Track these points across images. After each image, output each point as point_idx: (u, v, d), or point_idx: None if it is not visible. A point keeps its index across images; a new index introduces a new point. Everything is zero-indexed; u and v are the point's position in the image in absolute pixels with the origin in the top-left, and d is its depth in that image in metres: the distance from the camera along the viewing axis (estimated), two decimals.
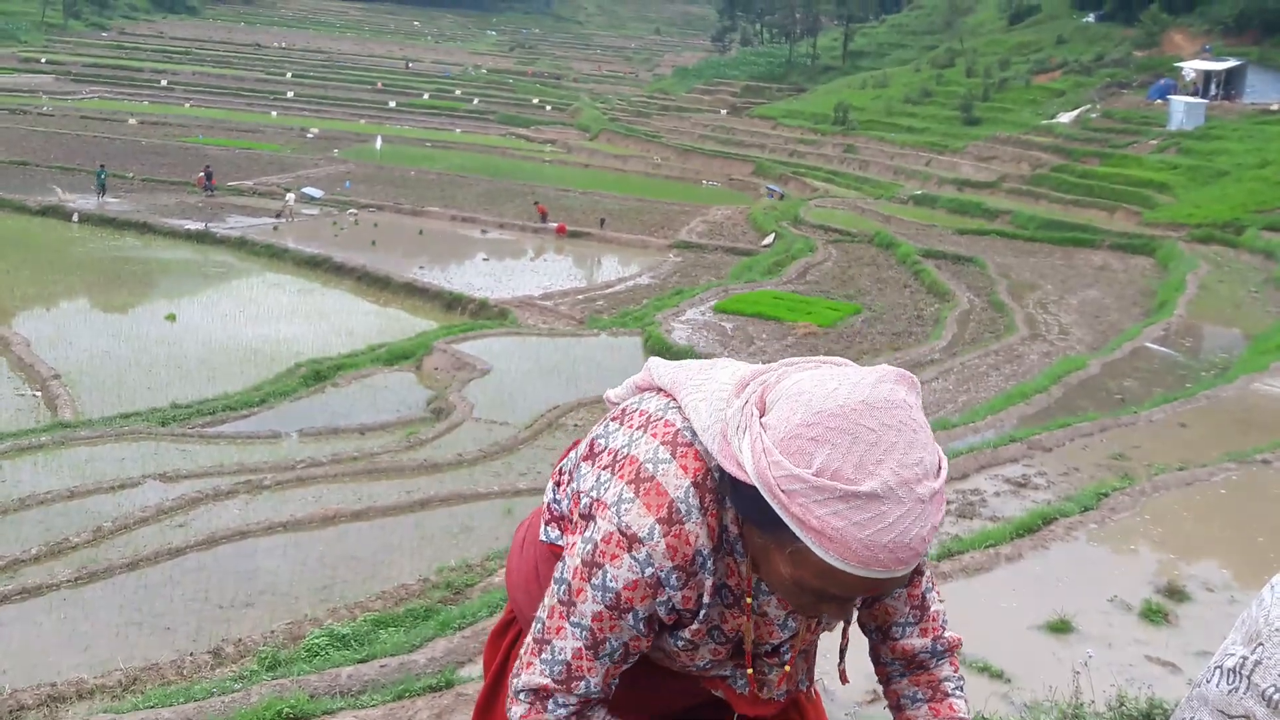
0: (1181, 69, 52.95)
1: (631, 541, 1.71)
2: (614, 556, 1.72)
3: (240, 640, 10.64)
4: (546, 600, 1.83)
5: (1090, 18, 66.43)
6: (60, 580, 11.91)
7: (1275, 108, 48.11)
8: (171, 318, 25.95)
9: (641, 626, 1.78)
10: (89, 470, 15.50)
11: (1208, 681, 1.90)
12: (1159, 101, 50.81)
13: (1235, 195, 38.50)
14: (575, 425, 18.62)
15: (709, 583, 1.76)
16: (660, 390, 1.90)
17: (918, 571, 1.97)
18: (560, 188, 48.93)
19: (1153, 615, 7.93)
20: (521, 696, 1.84)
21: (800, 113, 67.20)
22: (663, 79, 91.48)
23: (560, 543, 1.95)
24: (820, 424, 1.59)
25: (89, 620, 11.29)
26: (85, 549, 12.83)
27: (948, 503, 10.71)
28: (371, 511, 14.35)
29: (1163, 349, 23.13)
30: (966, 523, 10.29)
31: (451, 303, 29.09)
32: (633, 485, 1.73)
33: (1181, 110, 48.16)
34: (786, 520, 1.59)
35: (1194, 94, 50.70)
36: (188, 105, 69.23)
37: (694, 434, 1.76)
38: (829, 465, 1.56)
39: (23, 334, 23.14)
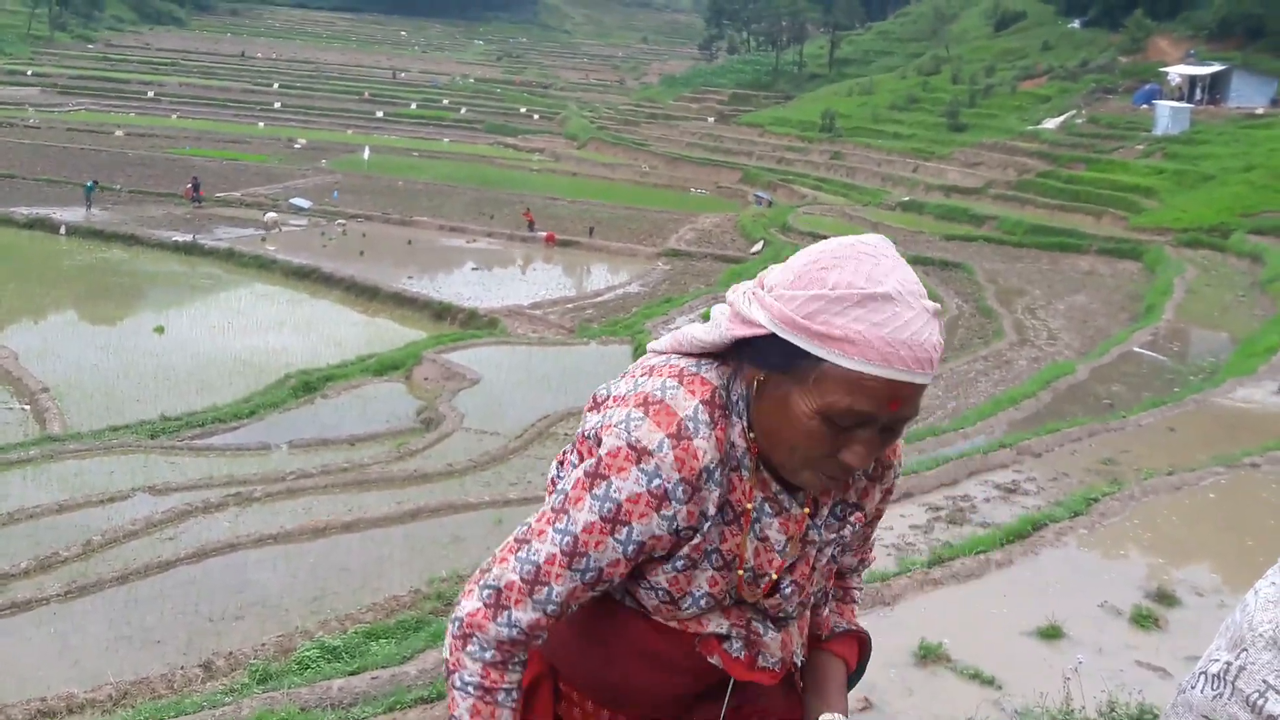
0: (1166, 74, 53.20)
1: (640, 454, 1.74)
2: (621, 469, 1.75)
3: (231, 653, 10.61)
4: (545, 505, 1.84)
5: (1075, 24, 66.71)
6: (50, 594, 11.86)
7: (1260, 112, 48.34)
8: (160, 330, 25.89)
9: (629, 550, 1.78)
10: (78, 483, 15.46)
11: (1193, 687, 1.91)
12: (1144, 106, 51.02)
13: (1221, 199, 38.65)
14: (565, 434, 18.61)
15: (715, 495, 1.80)
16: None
17: (877, 515, 2.06)
18: (549, 196, 48.96)
19: (1143, 620, 7.95)
20: (483, 594, 1.84)
21: (787, 120, 67.35)
22: (650, 87, 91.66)
23: None
24: (825, 257, 1.72)
25: (79, 634, 11.25)
26: (75, 563, 12.78)
27: (937, 509, 10.77)
28: (362, 523, 14.32)
29: (1151, 353, 23.20)
30: (957, 529, 10.30)
31: (440, 312, 29.09)
32: (641, 407, 1.77)
33: (1167, 115, 48.36)
34: (810, 345, 1.68)
35: (1179, 99, 50.92)
36: (175, 116, 69.14)
37: (698, 367, 1.83)
38: (843, 280, 1.67)
39: (10, 347, 23.08)
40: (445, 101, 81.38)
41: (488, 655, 1.84)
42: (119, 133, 59.96)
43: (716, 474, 1.79)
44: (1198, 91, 51.90)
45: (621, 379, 1.90)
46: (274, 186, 46.22)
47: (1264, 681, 1.80)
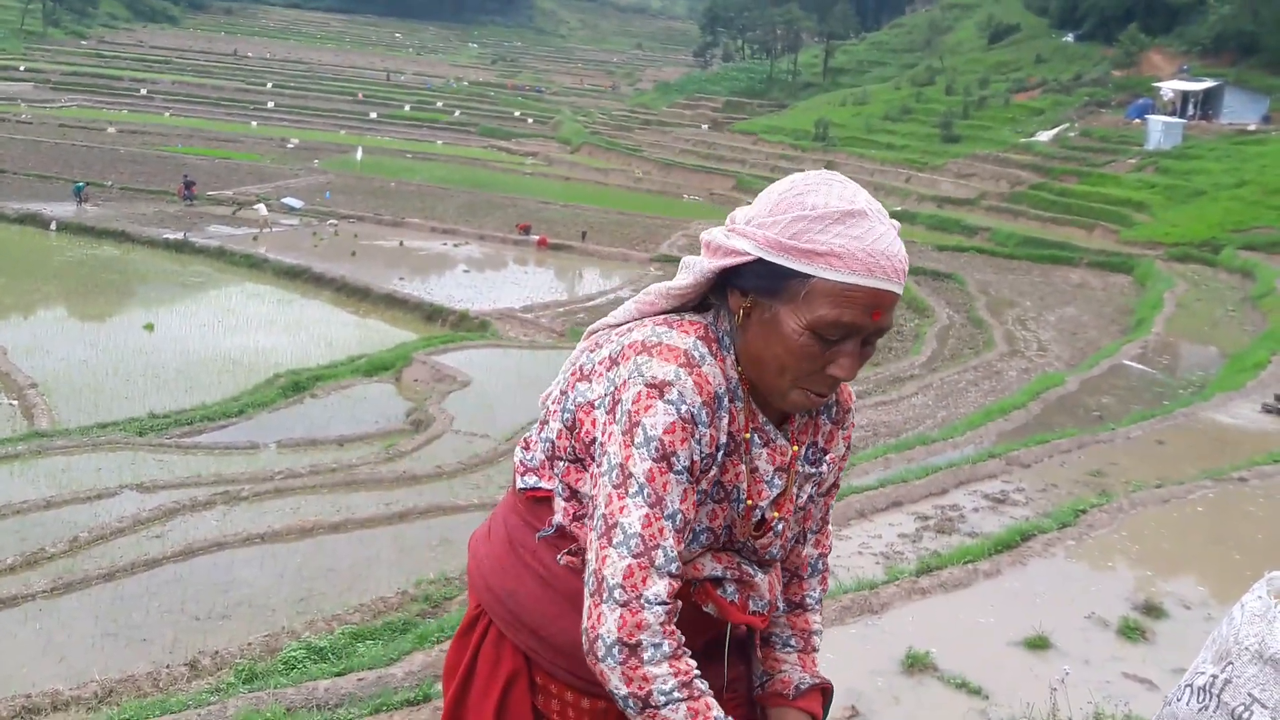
0: (1159, 89, 53.41)
1: (661, 388, 1.80)
2: (648, 408, 1.80)
3: (217, 652, 10.58)
4: (600, 495, 1.85)
5: (1069, 37, 66.95)
6: (36, 591, 11.82)
7: (1252, 128, 48.55)
8: (150, 327, 25.84)
9: (687, 476, 1.83)
10: (65, 480, 15.41)
11: (1178, 700, 1.91)
12: (1137, 121, 51.21)
13: (1212, 214, 38.82)
14: None
15: (725, 422, 1.88)
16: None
17: (835, 485, 2.17)
18: (541, 200, 49.00)
19: (1130, 632, 7.97)
20: (611, 601, 1.79)
21: (781, 128, 67.48)
22: (644, 93, 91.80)
23: (540, 486, 2.02)
24: (798, 185, 1.87)
25: (65, 631, 11.21)
26: (61, 559, 12.74)
27: (926, 519, 10.79)
28: (350, 523, 14.29)
29: (1140, 366, 23.27)
30: (945, 538, 10.31)
31: (432, 314, 29.07)
32: (643, 353, 1.84)
33: (1159, 130, 48.55)
34: (797, 263, 1.80)
35: (1172, 114, 51.14)
36: (167, 114, 69.07)
37: (681, 314, 1.93)
38: (819, 201, 1.82)
39: None
40: (439, 104, 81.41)
41: (665, 647, 1.80)
42: (111, 129, 59.86)
43: (725, 401, 1.88)
44: (1190, 107, 52.12)
45: (592, 353, 1.96)
46: (266, 186, 46.18)
47: (1249, 695, 1.80)
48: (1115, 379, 22.11)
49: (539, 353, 24.38)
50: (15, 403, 19.70)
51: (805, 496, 2.08)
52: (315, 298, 30.68)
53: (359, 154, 57.19)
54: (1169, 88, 53.06)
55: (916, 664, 6.91)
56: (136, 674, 10.16)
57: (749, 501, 1.96)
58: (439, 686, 7.23)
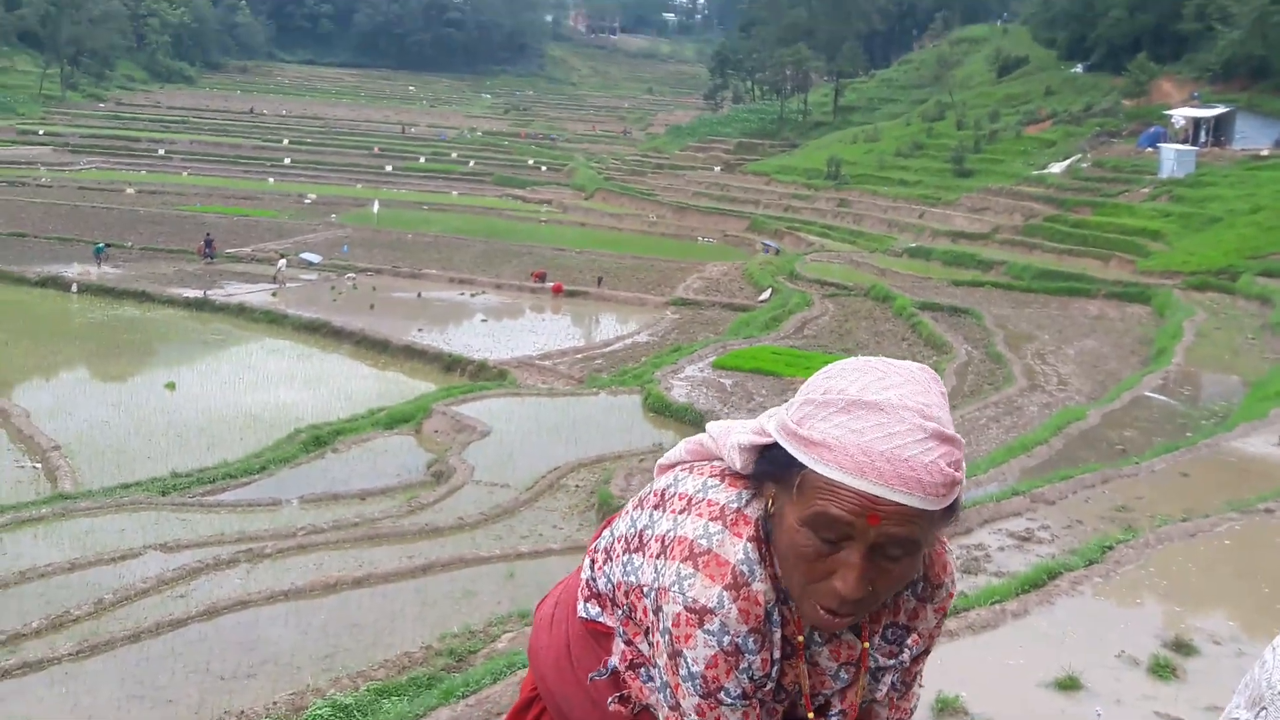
0: (1171, 116, 53.40)
1: (702, 615, 1.70)
2: (687, 637, 1.71)
3: (243, 712, 10.57)
4: (660, 713, 1.82)
5: (1078, 68, 67.07)
6: (61, 654, 11.84)
7: (1265, 153, 48.47)
8: (171, 386, 25.98)
9: (741, 702, 1.74)
10: (89, 541, 15.46)
11: None
12: (1149, 150, 51.18)
13: (1229, 241, 38.67)
14: (576, 486, 18.59)
15: (777, 635, 1.77)
16: (697, 463, 1.92)
17: (926, 650, 1.96)
18: (556, 247, 49.20)
19: (1161, 670, 7.88)
20: None
21: (793, 168, 67.70)
22: (656, 137, 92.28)
23: (601, 620, 1.96)
24: (835, 368, 1.72)
25: (90, 694, 11.21)
26: (86, 621, 12.77)
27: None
28: (373, 578, 14.29)
29: (1162, 398, 23.13)
30: (971, 579, 10.24)
31: (450, 365, 29.15)
32: (689, 561, 1.72)
33: (1172, 158, 48.50)
34: (794, 449, 1.66)
35: (1184, 141, 51.10)
36: (185, 174, 69.70)
37: (739, 501, 1.78)
38: (835, 387, 1.66)
39: (22, 405, 23.13)
40: (453, 155, 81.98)
41: None
42: (130, 190, 60.43)
43: (775, 613, 1.75)
44: (1202, 134, 52.10)
45: (660, 511, 1.85)
46: (284, 242, 46.49)
47: None
48: (1137, 411, 21.98)
49: (557, 400, 24.39)
50: (39, 466, 19.79)
51: (887, 687, 1.93)
52: (335, 351, 30.81)
53: (375, 207, 57.58)
54: (1180, 115, 53.07)
55: (947, 708, 6.85)
56: None
57: (811, 693, 1.86)
58: None
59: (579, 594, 2.02)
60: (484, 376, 27.46)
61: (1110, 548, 10.44)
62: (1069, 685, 7.46)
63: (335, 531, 16.13)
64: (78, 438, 21.37)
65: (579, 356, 30.58)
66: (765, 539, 1.75)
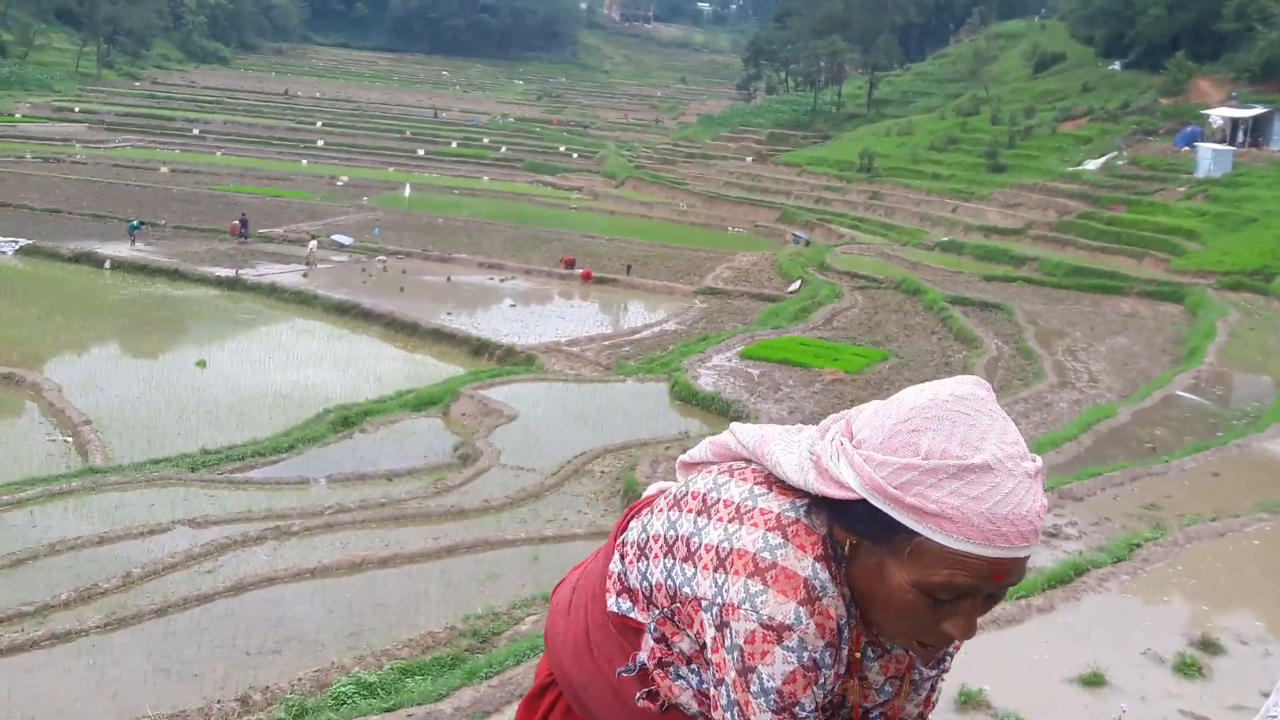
0: (1208, 116, 52.94)
1: (780, 632, 1.66)
2: (764, 654, 1.67)
3: (268, 687, 10.64)
4: None
5: (1116, 66, 66.53)
6: (89, 626, 11.95)
7: None
8: (202, 364, 26.13)
9: (814, 716, 1.71)
10: (119, 516, 15.59)
11: None
12: (1186, 149, 50.75)
13: (1264, 242, 38.33)
14: (602, 472, 18.62)
15: (846, 652, 1.74)
16: (732, 465, 1.86)
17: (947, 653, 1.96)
18: (586, 234, 49.20)
19: (1186, 668, 7.85)
20: None
21: (825, 160, 67.46)
22: (688, 127, 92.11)
23: (633, 615, 1.92)
24: (917, 416, 1.62)
25: (117, 666, 11.32)
26: (115, 595, 12.88)
27: None
28: (399, 558, 14.36)
29: (1193, 397, 22.97)
30: None
31: (478, 348, 29.21)
32: (756, 577, 1.68)
33: (1209, 157, 48.09)
34: (902, 516, 1.60)
35: (1221, 141, 50.64)
36: (219, 154, 70.04)
37: (796, 512, 1.72)
38: (936, 447, 1.58)
39: (54, 380, 23.33)
40: (485, 140, 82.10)
41: None
42: (164, 169, 60.79)
43: (846, 631, 1.73)
44: (1240, 134, 51.61)
45: (705, 518, 1.78)
46: (316, 223, 46.66)
47: None
48: (1168, 410, 21.84)
49: (585, 386, 24.42)
50: (70, 440, 19.97)
51: (927, 690, 1.93)
52: (364, 333, 30.92)
53: (407, 190, 57.72)
54: (1218, 115, 52.59)
55: (970, 701, 6.84)
56: (188, 709, 10.24)
57: (855, 705, 1.84)
58: None
59: (609, 587, 1.97)
60: (512, 361, 27.51)
61: (1138, 545, 10.40)
62: (1093, 682, 7.44)
63: (362, 511, 16.22)
64: (108, 413, 21.53)
65: (606, 343, 30.58)
66: (834, 558, 1.71)
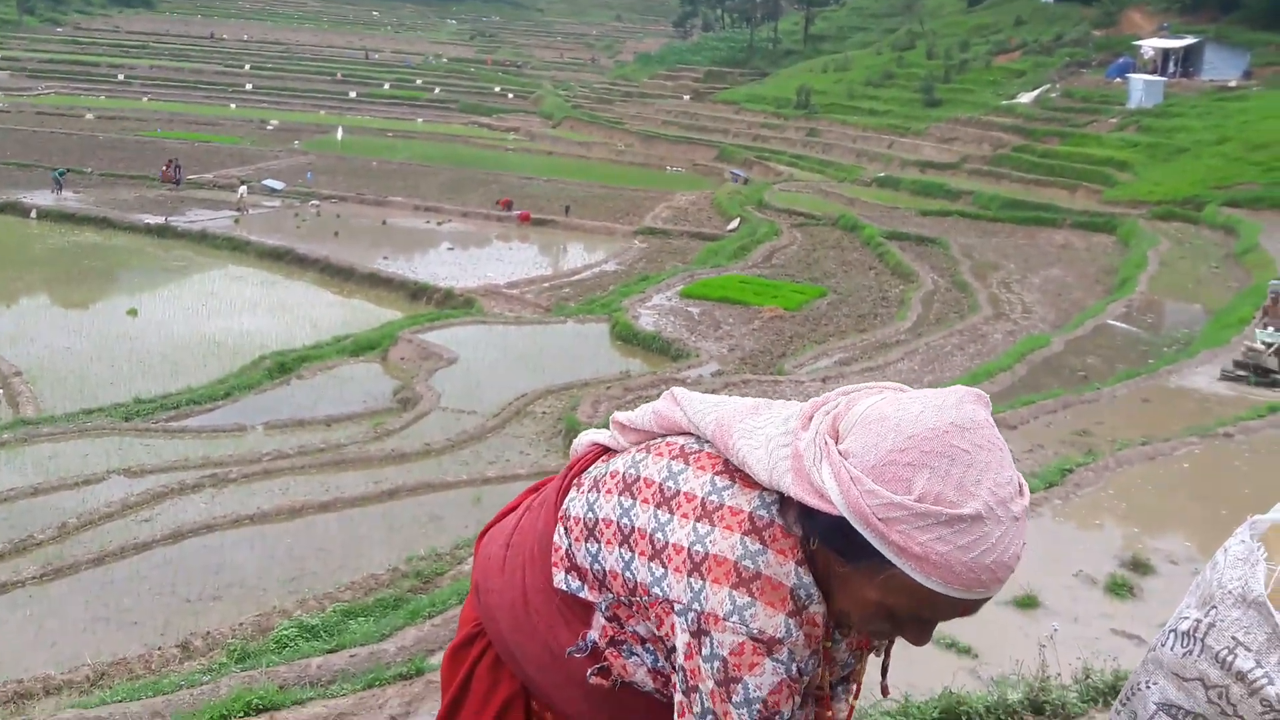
0: (1140, 47, 53.34)
1: (770, 645, 1.63)
2: (753, 665, 1.64)
3: (208, 633, 10.59)
4: None
5: None
6: (26, 577, 11.82)
7: (1233, 84, 48.53)
8: (133, 313, 25.73)
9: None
10: (53, 466, 15.37)
11: (1162, 645, 1.91)
12: (1118, 80, 51.14)
13: (1195, 172, 38.81)
14: (543, 412, 18.61)
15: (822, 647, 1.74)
16: (684, 446, 1.81)
17: None
18: (524, 176, 48.81)
19: (1118, 589, 8.01)
20: None
21: (763, 97, 67.25)
22: (625, 65, 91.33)
23: (582, 594, 1.87)
24: (915, 448, 1.56)
25: (55, 617, 11.21)
26: (50, 545, 12.73)
27: None
28: (339, 503, 14.30)
29: (1125, 326, 23.32)
30: None
31: (416, 292, 29.00)
32: (741, 588, 1.64)
33: (1140, 88, 48.50)
34: (883, 548, 1.56)
35: (1152, 72, 51.08)
36: (145, 99, 68.59)
37: (769, 511, 1.67)
38: (930, 490, 1.54)
39: None
40: (419, 81, 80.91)
41: None
42: (89, 116, 59.47)
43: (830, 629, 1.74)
44: (1171, 64, 52.07)
45: (667, 513, 1.73)
46: (247, 168, 45.92)
47: (1233, 638, 1.80)
48: (1100, 339, 22.16)
49: (525, 328, 24.34)
50: (0, 391, 19.61)
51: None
52: (299, 279, 30.57)
53: (339, 134, 56.93)
54: (1149, 46, 52.99)
55: None
56: (128, 657, 10.17)
57: (826, 683, 1.82)
58: (431, 660, 7.23)
59: (556, 561, 1.91)
60: (450, 305, 27.34)
61: (1070, 471, 10.57)
62: (1027, 603, 7.56)
63: (301, 457, 16.09)
64: (39, 363, 21.18)
65: (546, 285, 30.47)
66: (811, 559, 1.68)
